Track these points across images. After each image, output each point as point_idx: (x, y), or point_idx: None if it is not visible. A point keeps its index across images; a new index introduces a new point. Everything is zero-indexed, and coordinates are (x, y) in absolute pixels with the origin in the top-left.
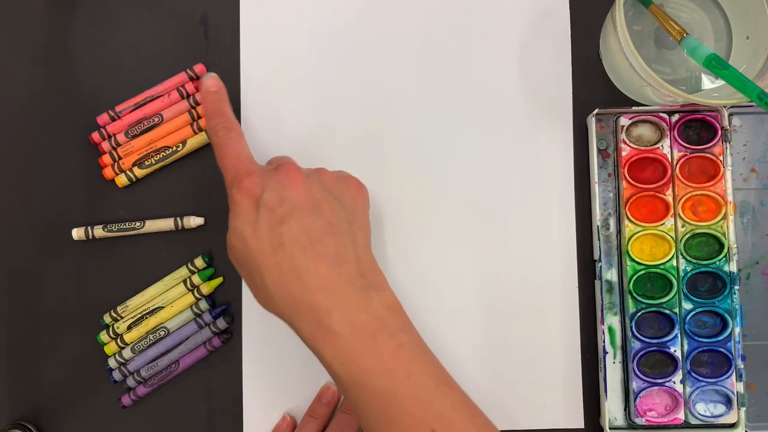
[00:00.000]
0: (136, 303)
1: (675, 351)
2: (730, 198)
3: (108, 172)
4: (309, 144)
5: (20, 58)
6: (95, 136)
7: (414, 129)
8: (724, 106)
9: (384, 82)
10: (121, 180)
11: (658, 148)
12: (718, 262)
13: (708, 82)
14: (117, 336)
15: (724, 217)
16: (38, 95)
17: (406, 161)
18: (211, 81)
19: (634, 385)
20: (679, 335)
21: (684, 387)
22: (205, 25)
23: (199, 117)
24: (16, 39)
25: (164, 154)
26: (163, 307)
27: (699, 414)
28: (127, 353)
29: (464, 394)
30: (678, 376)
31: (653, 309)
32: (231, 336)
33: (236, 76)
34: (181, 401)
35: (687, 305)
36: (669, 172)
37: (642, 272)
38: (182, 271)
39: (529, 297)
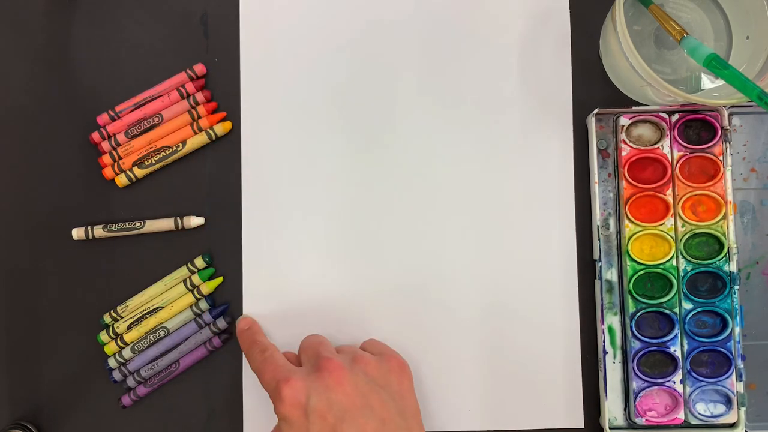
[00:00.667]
0: (136, 303)
1: (675, 351)
2: (730, 198)
3: (108, 172)
4: (309, 144)
5: (20, 58)
6: (95, 136)
7: (413, 129)
8: (724, 106)
9: (384, 81)
10: (121, 180)
11: (658, 147)
12: (718, 262)
13: (708, 82)
14: (117, 336)
15: (724, 217)
16: (38, 95)
17: (406, 161)
18: (243, 322)
19: (634, 384)
20: (679, 335)
21: (684, 387)
22: (205, 25)
23: (199, 117)
24: (16, 39)
25: (164, 154)
26: (163, 307)
27: (699, 414)
28: (127, 353)
29: None
30: (678, 376)
31: (653, 309)
32: (231, 336)
33: (236, 76)
34: (181, 401)
35: (687, 305)
36: (669, 172)
37: (642, 272)
38: (182, 271)
39: (528, 297)
